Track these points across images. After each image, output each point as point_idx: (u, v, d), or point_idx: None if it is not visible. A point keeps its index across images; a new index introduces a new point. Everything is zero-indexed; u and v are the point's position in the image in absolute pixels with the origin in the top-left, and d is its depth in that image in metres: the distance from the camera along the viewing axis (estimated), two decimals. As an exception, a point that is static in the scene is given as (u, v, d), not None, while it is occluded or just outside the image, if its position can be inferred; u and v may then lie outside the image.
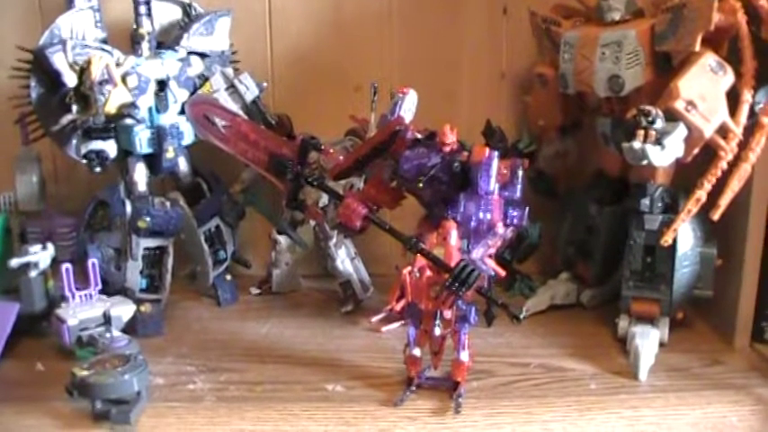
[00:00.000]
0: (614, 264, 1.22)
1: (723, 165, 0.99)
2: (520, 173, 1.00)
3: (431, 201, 1.04)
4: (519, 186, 1.00)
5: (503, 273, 0.98)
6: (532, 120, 1.30)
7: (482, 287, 0.95)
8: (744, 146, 0.98)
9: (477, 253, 0.96)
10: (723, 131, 0.98)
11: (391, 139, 1.03)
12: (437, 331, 0.96)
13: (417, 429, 0.93)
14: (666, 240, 1.04)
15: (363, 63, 1.37)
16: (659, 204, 1.09)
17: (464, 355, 0.98)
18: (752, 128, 0.99)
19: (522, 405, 0.98)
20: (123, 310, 1.12)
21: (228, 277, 1.33)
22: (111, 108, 1.08)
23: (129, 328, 1.13)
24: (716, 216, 1.00)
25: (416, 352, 0.99)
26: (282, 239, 1.32)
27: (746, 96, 0.98)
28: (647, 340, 1.07)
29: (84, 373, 0.93)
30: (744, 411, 0.97)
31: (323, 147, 1.07)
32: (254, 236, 1.41)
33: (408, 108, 1.10)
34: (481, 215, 0.97)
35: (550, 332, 1.19)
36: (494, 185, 0.97)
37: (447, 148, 1.00)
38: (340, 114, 1.25)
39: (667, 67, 1.04)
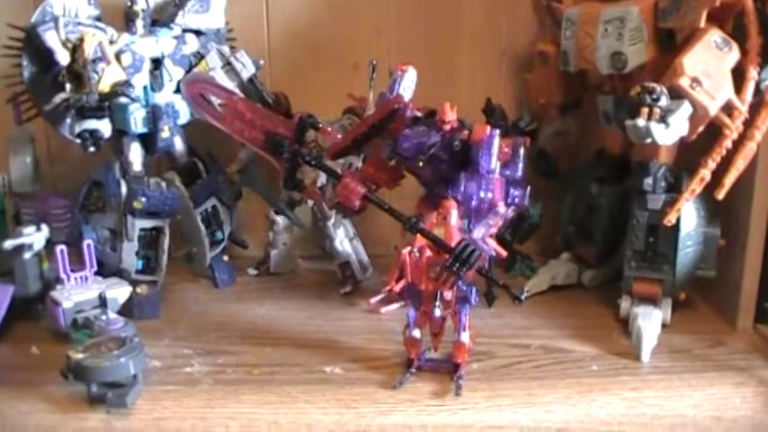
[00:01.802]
0: (616, 244, 1.20)
1: (728, 143, 0.98)
2: (521, 151, 0.98)
3: (430, 180, 1.02)
4: (520, 165, 0.98)
5: (504, 253, 0.97)
6: (533, 98, 1.29)
7: (483, 267, 0.93)
8: (749, 124, 0.97)
9: (478, 233, 0.94)
10: (728, 109, 0.96)
11: (390, 117, 1.01)
12: (437, 312, 0.95)
13: (417, 412, 0.92)
14: (670, 220, 1.03)
15: (361, 41, 1.35)
16: (662, 184, 1.08)
17: (465, 337, 0.97)
18: (757, 106, 0.97)
19: (523, 387, 0.97)
20: (119, 292, 1.10)
21: (226, 258, 1.32)
22: (105, 86, 1.05)
23: (126, 311, 1.11)
24: (720, 195, 0.98)
25: (416, 333, 0.98)
26: (280, 220, 1.30)
27: (752, 73, 0.97)
28: (650, 321, 1.06)
29: (80, 356, 0.92)
30: (746, 393, 0.96)
31: (320, 125, 1.06)
32: (251, 216, 1.39)
33: (407, 86, 1.08)
34: (482, 194, 0.95)
35: (551, 313, 1.18)
36: (495, 164, 0.95)
37: (447, 127, 0.98)
38: (338, 93, 1.23)
39: (671, 44, 1.02)
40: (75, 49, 1.03)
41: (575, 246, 1.27)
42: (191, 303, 1.24)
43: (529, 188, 1.00)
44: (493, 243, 0.96)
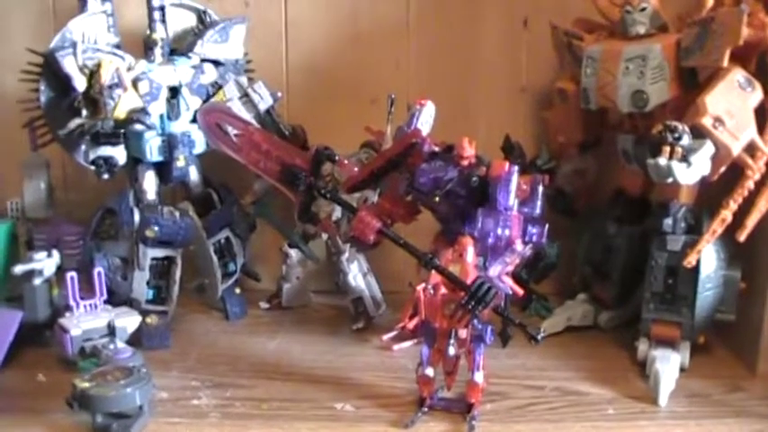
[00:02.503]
0: (633, 285, 1.18)
1: (750, 184, 0.96)
2: (540, 189, 0.97)
3: (447, 216, 1.01)
4: (539, 203, 0.97)
5: (521, 291, 0.94)
6: (552, 136, 1.27)
7: (499, 306, 0.91)
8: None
9: (494, 270, 0.92)
10: (751, 150, 0.95)
11: (407, 151, 1.00)
12: (451, 351, 0.93)
13: (429, 452, 0.91)
14: (690, 262, 1.01)
15: (380, 75, 1.34)
16: (682, 225, 1.06)
17: (479, 377, 0.95)
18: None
19: (537, 429, 0.95)
20: (128, 321, 1.09)
21: (238, 291, 1.31)
22: (121, 113, 1.05)
23: (135, 340, 1.10)
24: (742, 237, 0.97)
25: (429, 372, 0.96)
26: (293, 253, 1.29)
27: (777, 114, 0.96)
28: (668, 365, 1.04)
29: (86, 384, 0.91)
30: (767, 441, 0.94)
31: (337, 158, 1.05)
32: (264, 249, 1.38)
33: (426, 120, 1.07)
34: (500, 231, 0.94)
35: (567, 354, 1.15)
36: (513, 201, 0.94)
37: (465, 162, 0.97)
38: (355, 127, 1.22)
39: (693, 82, 1.02)
40: (92, 74, 1.03)
41: (592, 286, 1.25)
42: (201, 335, 1.22)
43: (547, 226, 0.98)
44: (509, 281, 0.94)
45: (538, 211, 0.97)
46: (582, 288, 1.27)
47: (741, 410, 1.00)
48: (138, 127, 1.07)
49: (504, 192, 0.93)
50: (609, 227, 1.19)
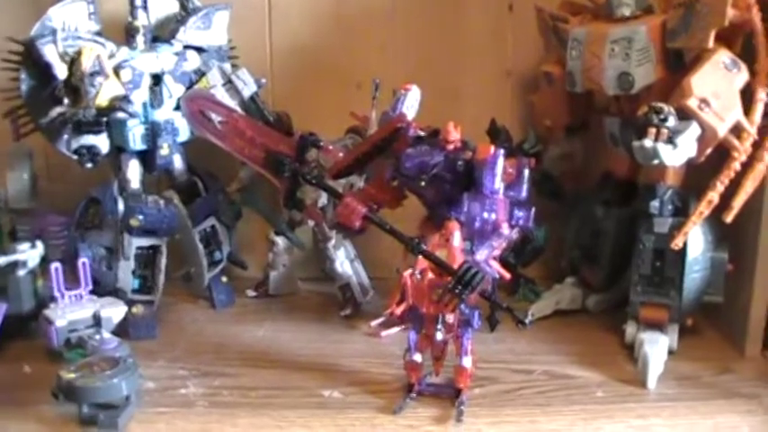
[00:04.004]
0: (621, 268, 1.18)
1: (736, 165, 0.96)
2: (526, 172, 0.96)
3: (433, 201, 1.00)
4: (525, 186, 0.96)
5: (508, 275, 0.94)
6: (538, 120, 1.27)
7: (486, 290, 0.91)
8: (758, 145, 0.95)
9: (481, 254, 0.92)
10: (737, 131, 0.94)
11: (393, 136, 0.99)
12: (439, 336, 0.93)
13: (417, 438, 0.90)
14: (677, 244, 1.01)
15: (365, 60, 1.33)
16: (669, 207, 1.06)
17: (467, 361, 0.95)
18: (766, 127, 0.96)
19: (526, 414, 0.95)
20: (114, 312, 1.08)
21: (224, 279, 1.30)
22: (103, 101, 1.04)
23: (121, 331, 1.09)
24: (729, 218, 0.96)
25: (417, 357, 0.96)
26: (280, 240, 1.28)
27: (761, 95, 0.95)
28: (657, 347, 1.03)
29: (71, 375, 0.90)
30: (754, 422, 0.94)
31: (322, 144, 1.04)
32: (250, 237, 1.37)
33: (411, 105, 1.07)
34: (486, 215, 0.93)
35: (555, 338, 1.15)
36: (499, 184, 0.93)
37: (450, 146, 0.97)
38: (340, 112, 1.21)
39: (679, 64, 1.01)
40: (73, 62, 1.02)
41: (580, 270, 1.25)
42: (188, 324, 1.22)
43: (533, 210, 0.97)
44: (496, 265, 0.93)
45: (524, 194, 0.96)
46: (570, 271, 1.26)
47: (730, 392, 1.00)
48: (121, 115, 1.06)
49: (489, 175, 0.92)
50: (597, 210, 1.19)
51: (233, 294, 1.31)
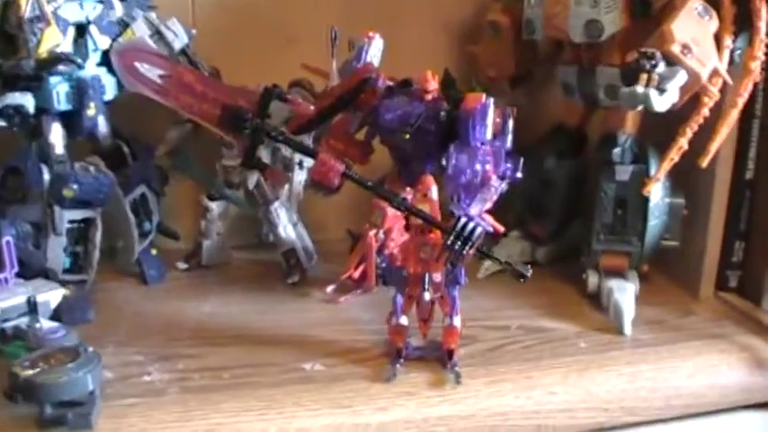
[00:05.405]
0: (569, 219, 1.18)
1: (705, 111, 0.97)
2: (510, 122, 0.92)
3: (411, 155, 0.95)
4: (509, 137, 0.92)
5: (502, 229, 0.91)
6: (481, 71, 1.23)
7: (482, 245, 0.87)
8: (731, 91, 0.96)
9: (475, 208, 0.88)
10: (710, 77, 0.95)
11: (360, 87, 0.93)
12: (426, 296, 0.88)
13: (418, 405, 0.86)
14: (648, 190, 1.01)
15: (296, 12, 1.24)
16: (629, 154, 1.06)
17: (457, 321, 0.91)
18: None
19: (519, 370, 0.93)
20: (51, 295, 0.95)
21: (154, 252, 1.17)
22: (44, 51, 0.90)
23: (53, 316, 0.96)
24: (704, 163, 0.98)
25: (404, 320, 0.91)
26: (215, 206, 1.17)
27: (727, 42, 0.96)
28: (626, 294, 1.05)
29: (29, 372, 0.77)
30: (731, 359, 0.97)
31: (289, 97, 0.95)
32: (177, 204, 1.25)
33: (374, 54, 1.00)
34: (478, 167, 0.88)
35: (515, 293, 1.13)
36: (490, 135, 0.89)
37: (429, 96, 0.91)
38: (272, 68, 1.10)
39: (644, 11, 0.99)
40: (6, 5, 0.86)
41: (526, 223, 1.23)
42: (122, 304, 1.09)
43: (522, 159, 0.94)
44: (490, 219, 0.90)
45: (508, 144, 0.93)
46: (516, 225, 1.25)
47: (701, 333, 1.03)
48: (64, 68, 0.92)
49: (480, 125, 0.88)
50: (546, 161, 1.17)
51: (164, 268, 1.19)
